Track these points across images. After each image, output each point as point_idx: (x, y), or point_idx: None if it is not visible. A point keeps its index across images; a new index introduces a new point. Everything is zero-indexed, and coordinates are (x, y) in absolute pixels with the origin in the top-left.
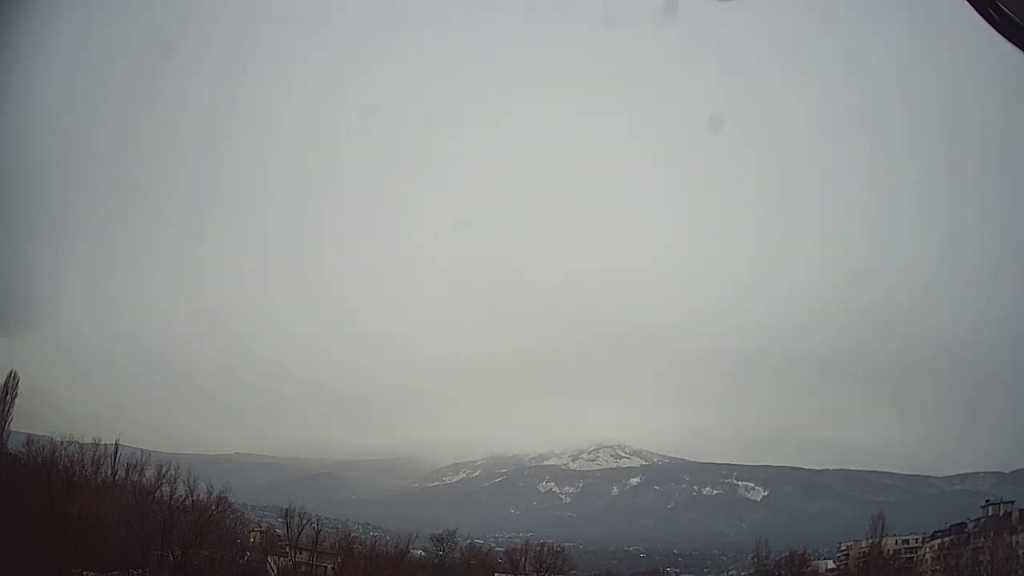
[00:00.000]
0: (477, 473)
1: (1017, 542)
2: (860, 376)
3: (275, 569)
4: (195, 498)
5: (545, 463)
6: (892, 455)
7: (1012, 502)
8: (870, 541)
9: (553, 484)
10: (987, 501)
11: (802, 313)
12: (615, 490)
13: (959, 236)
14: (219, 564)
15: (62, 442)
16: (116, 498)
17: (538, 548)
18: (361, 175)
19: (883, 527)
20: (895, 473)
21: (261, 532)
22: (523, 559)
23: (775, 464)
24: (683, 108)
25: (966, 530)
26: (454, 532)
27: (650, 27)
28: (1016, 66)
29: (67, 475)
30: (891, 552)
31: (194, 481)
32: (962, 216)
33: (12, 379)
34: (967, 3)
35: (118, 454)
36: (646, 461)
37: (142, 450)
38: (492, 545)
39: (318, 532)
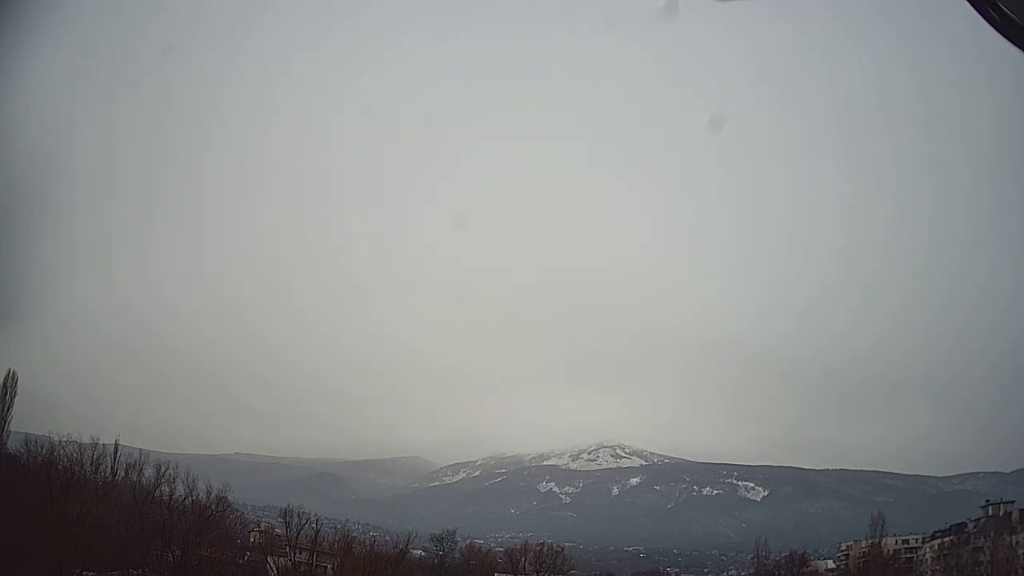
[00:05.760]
0: (477, 473)
1: (1017, 542)
2: (860, 377)
3: (275, 569)
4: (195, 498)
5: (545, 463)
6: (892, 455)
7: (1012, 502)
8: (870, 541)
9: (553, 484)
10: (987, 501)
11: (802, 315)
12: (615, 490)
13: (957, 237)
14: (219, 564)
15: (61, 442)
16: (116, 498)
17: (538, 548)
18: (362, 175)
19: (883, 527)
20: (895, 473)
21: (261, 532)
22: (523, 559)
23: (775, 464)
24: (684, 110)
25: (966, 530)
26: (454, 532)
27: (649, 29)
28: (1016, 66)
29: (66, 475)
30: (891, 552)
31: (194, 481)
32: (960, 218)
33: (11, 378)
34: (967, 3)
35: (118, 454)
36: (646, 461)
37: (141, 450)
38: (492, 545)
39: (317, 532)
